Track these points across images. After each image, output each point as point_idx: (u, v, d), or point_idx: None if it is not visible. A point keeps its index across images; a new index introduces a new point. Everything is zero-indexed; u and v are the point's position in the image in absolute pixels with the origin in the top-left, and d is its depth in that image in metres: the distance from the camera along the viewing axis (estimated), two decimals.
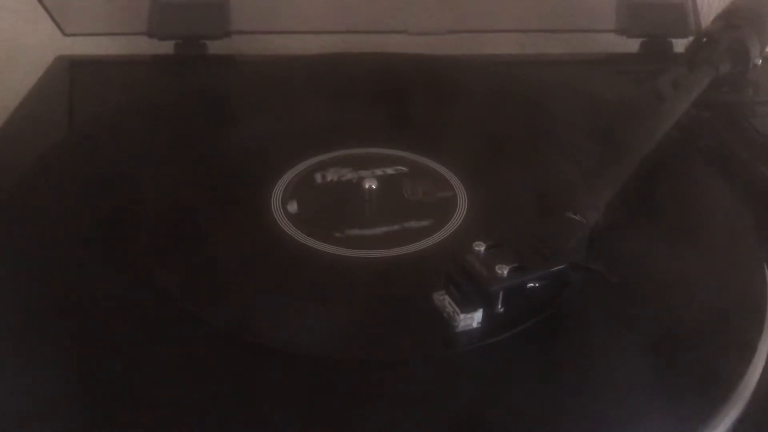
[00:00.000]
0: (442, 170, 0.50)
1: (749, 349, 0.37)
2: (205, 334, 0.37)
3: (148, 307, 0.39)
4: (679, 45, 0.69)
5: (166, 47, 0.69)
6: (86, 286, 0.40)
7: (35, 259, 0.42)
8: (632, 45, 0.71)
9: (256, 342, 0.37)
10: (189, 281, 0.41)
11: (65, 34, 0.67)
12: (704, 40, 0.57)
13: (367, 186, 0.47)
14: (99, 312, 0.38)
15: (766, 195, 0.48)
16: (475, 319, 0.37)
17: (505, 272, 0.36)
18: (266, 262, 0.43)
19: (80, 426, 0.33)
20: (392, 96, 0.58)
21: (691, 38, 0.60)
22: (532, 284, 0.37)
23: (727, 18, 0.58)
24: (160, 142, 0.53)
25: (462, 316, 0.37)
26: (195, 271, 0.42)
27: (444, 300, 0.37)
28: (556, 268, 0.38)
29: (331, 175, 0.50)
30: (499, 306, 0.37)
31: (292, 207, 0.43)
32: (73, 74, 0.67)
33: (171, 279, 0.40)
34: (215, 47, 0.69)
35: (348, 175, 0.50)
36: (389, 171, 0.50)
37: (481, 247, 0.38)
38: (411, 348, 0.37)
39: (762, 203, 0.48)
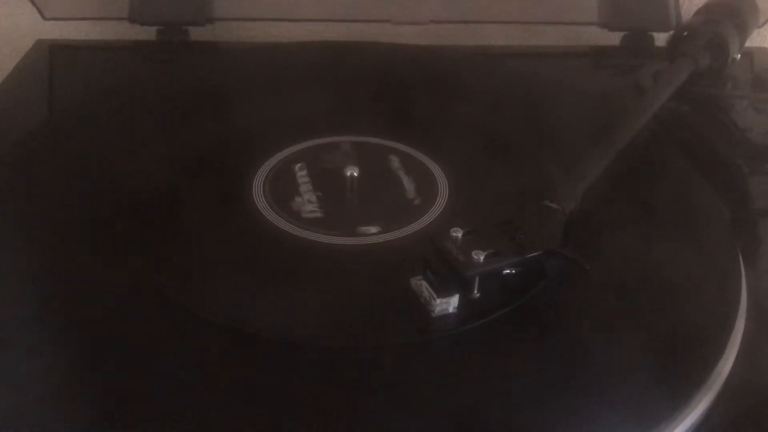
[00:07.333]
0: (424, 158, 0.50)
1: (723, 338, 0.38)
2: (181, 319, 0.37)
3: (130, 295, 0.39)
4: (661, 39, 0.69)
5: (148, 33, 0.68)
6: (64, 272, 0.40)
7: (12, 246, 0.42)
8: (614, 38, 0.71)
9: (230, 328, 0.37)
10: (166, 268, 0.41)
11: (45, 18, 0.67)
12: (685, 34, 0.58)
13: (348, 174, 0.47)
14: (75, 297, 0.39)
15: (742, 188, 0.49)
16: (451, 304, 0.37)
17: (482, 258, 0.37)
18: (241, 248, 0.43)
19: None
20: (374, 85, 0.58)
21: (672, 32, 0.61)
22: (508, 270, 0.38)
23: (707, 13, 0.59)
24: (140, 128, 0.53)
25: (438, 300, 0.37)
26: (174, 259, 0.42)
27: (421, 285, 0.38)
28: (532, 254, 0.38)
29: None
30: (476, 291, 0.37)
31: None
32: (52, 59, 0.66)
33: (151, 265, 0.40)
34: (197, 34, 0.69)
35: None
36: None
37: (458, 233, 0.38)
38: (386, 333, 0.37)
39: (738, 196, 0.48)
